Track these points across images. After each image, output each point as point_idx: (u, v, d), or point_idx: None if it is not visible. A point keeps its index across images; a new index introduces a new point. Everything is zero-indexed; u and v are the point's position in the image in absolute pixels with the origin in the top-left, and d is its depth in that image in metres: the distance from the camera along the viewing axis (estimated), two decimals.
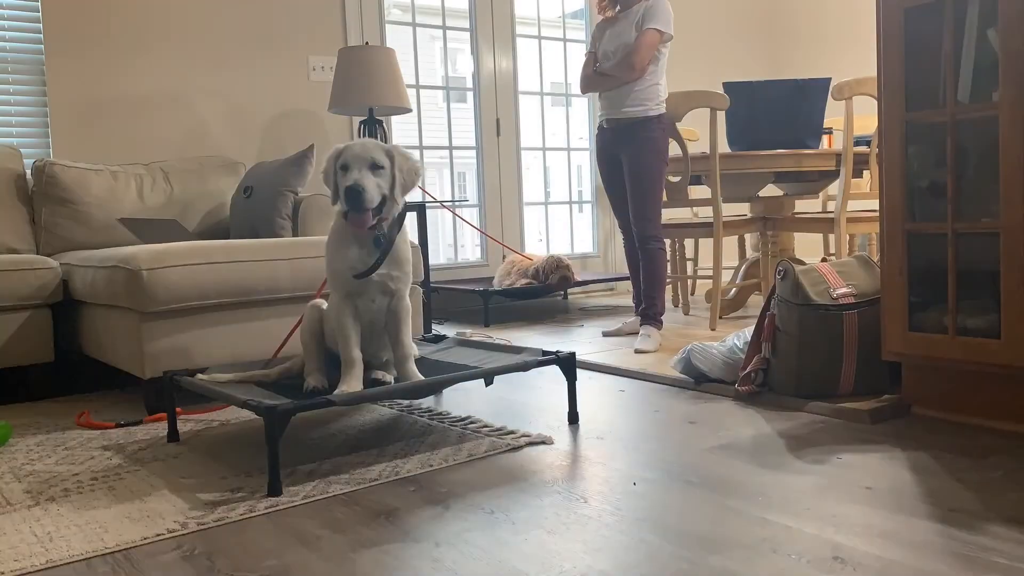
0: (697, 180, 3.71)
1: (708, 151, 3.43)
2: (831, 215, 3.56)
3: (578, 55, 5.30)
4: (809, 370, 2.18)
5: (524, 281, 4.15)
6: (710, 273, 3.65)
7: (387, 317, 2.00)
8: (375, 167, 1.86)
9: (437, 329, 3.92)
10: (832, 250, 4.44)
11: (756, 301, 4.30)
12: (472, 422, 2.15)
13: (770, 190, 4.38)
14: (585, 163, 5.43)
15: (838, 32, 5.61)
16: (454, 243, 5.04)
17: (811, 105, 3.64)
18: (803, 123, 3.64)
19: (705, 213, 4.72)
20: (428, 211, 3.93)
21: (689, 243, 4.98)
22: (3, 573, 1.33)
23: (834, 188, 3.80)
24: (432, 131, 4.76)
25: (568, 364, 2.11)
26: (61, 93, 3.56)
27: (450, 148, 4.87)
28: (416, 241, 3.51)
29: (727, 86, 3.64)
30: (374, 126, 3.84)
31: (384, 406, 2.39)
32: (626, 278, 4.52)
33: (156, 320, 2.38)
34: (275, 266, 2.55)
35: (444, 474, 1.75)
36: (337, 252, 1.93)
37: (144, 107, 3.75)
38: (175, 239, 3.00)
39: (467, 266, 4.87)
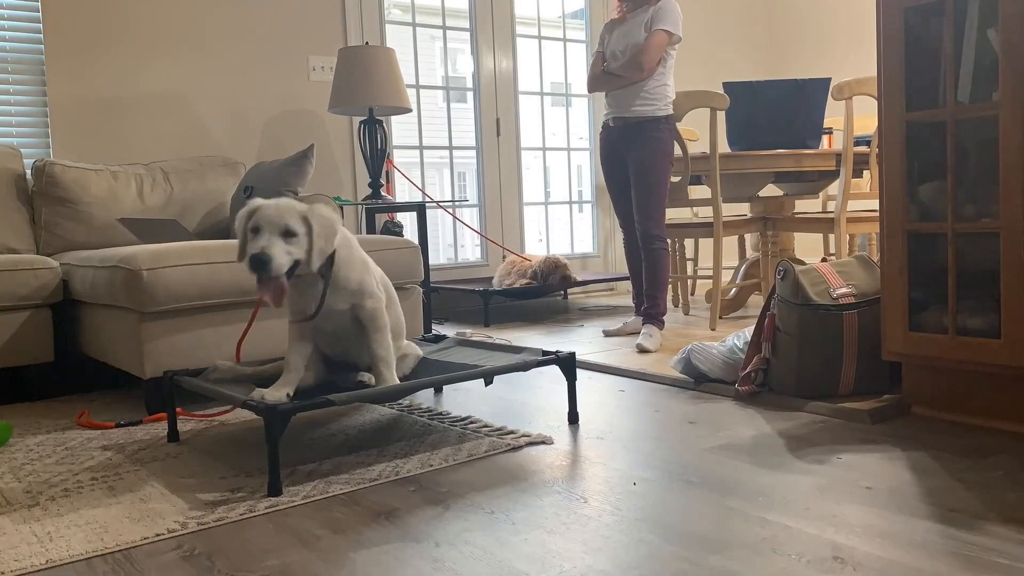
0: (697, 180, 3.71)
1: (708, 151, 3.43)
2: (831, 215, 3.56)
3: (578, 55, 5.31)
4: (809, 370, 2.18)
5: (524, 281, 4.15)
6: (710, 273, 3.65)
7: (358, 326, 1.95)
8: (288, 234, 1.76)
9: (437, 329, 3.92)
10: (832, 250, 4.44)
11: (756, 301, 4.30)
12: (472, 422, 2.15)
13: (770, 190, 4.38)
14: (585, 163, 5.43)
15: (838, 32, 5.61)
16: (454, 243, 5.04)
17: (811, 105, 3.64)
18: (803, 123, 3.65)
19: (705, 213, 4.72)
20: (428, 211, 3.93)
21: (689, 243, 4.98)
22: (3, 573, 1.33)
23: (834, 188, 3.80)
24: (432, 131, 4.76)
25: (568, 364, 2.11)
26: (61, 93, 3.56)
27: (450, 148, 4.87)
28: (416, 241, 3.52)
29: (727, 86, 3.64)
30: (374, 126, 3.84)
31: (384, 406, 2.39)
32: (626, 278, 4.53)
33: (156, 320, 2.38)
34: None
35: (444, 474, 1.75)
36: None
37: (144, 107, 3.75)
38: (175, 239, 3.00)
39: (467, 266, 4.87)
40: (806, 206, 5.10)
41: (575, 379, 2.12)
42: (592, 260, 5.31)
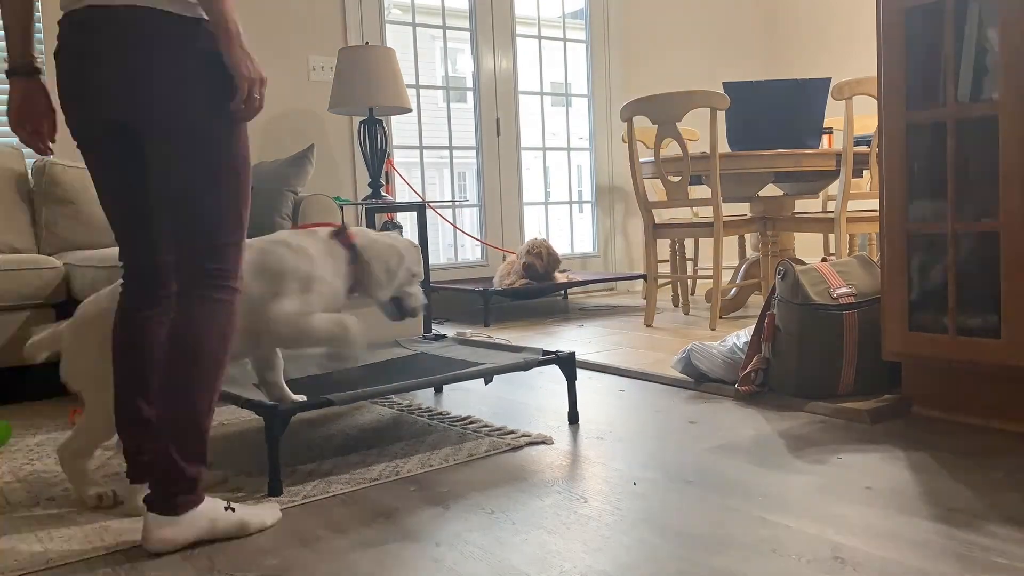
0: (697, 180, 3.71)
1: (708, 151, 3.43)
2: (831, 215, 3.56)
3: (578, 55, 5.31)
4: (809, 370, 2.18)
5: (523, 281, 4.15)
6: (710, 273, 3.65)
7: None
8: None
9: (437, 329, 3.92)
10: (832, 250, 4.44)
11: (756, 301, 4.30)
12: (472, 422, 2.15)
13: (770, 190, 4.38)
14: (585, 163, 5.43)
15: (838, 32, 5.61)
16: (454, 243, 5.04)
17: (811, 105, 3.64)
18: (803, 123, 3.64)
19: (705, 213, 4.72)
20: (427, 211, 3.93)
21: (689, 243, 4.98)
22: (3, 573, 1.33)
23: (834, 188, 3.80)
24: (432, 131, 4.76)
25: (568, 364, 2.12)
26: None
27: (450, 148, 4.87)
28: (416, 241, 3.51)
29: (727, 86, 3.64)
30: (374, 126, 3.84)
31: (384, 406, 2.39)
32: (627, 278, 4.53)
33: None
34: None
35: (444, 474, 1.75)
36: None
37: None
38: None
39: (467, 266, 4.87)
40: (806, 206, 5.10)
41: (575, 379, 2.12)
42: (592, 260, 5.31)
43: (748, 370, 2.28)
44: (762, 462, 1.75)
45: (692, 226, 3.69)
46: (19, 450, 2.09)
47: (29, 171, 3.27)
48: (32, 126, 1.52)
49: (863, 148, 3.56)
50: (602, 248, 5.36)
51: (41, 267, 2.72)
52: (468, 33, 4.81)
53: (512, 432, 2.04)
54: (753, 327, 2.34)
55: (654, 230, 3.73)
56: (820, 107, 3.66)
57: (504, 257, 4.60)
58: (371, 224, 4.04)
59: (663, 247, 4.99)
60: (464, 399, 2.46)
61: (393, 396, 2.48)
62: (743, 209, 4.86)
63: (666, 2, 5.51)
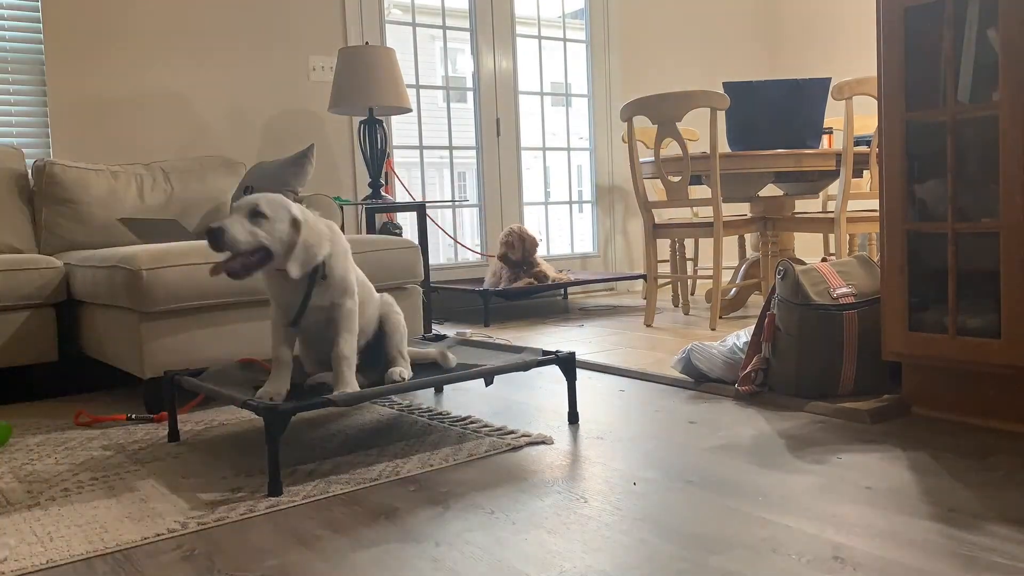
0: (697, 180, 3.71)
1: (708, 151, 3.43)
2: (831, 215, 3.56)
3: (578, 55, 5.31)
4: (809, 370, 2.18)
5: (526, 280, 4.15)
6: (710, 273, 3.65)
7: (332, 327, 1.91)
8: (255, 215, 1.74)
9: (437, 329, 3.92)
10: (832, 250, 4.44)
11: (756, 301, 4.30)
12: (472, 422, 2.15)
13: (770, 190, 4.38)
14: (585, 163, 5.43)
15: (838, 32, 5.61)
16: (454, 243, 5.04)
17: (811, 105, 3.64)
18: (803, 123, 3.64)
19: (705, 213, 4.72)
20: (427, 211, 3.93)
21: (689, 243, 4.98)
22: (3, 573, 1.33)
23: (834, 188, 3.80)
24: (432, 131, 4.76)
25: (568, 364, 2.12)
26: (61, 93, 3.56)
27: (450, 148, 4.87)
28: (416, 242, 3.52)
29: (727, 86, 3.64)
30: (374, 126, 3.84)
31: (384, 406, 2.39)
32: (627, 278, 4.53)
33: (156, 320, 2.39)
34: None
35: (444, 474, 1.75)
36: (270, 284, 1.88)
37: (144, 107, 3.75)
38: (175, 239, 3.00)
39: (467, 266, 4.87)
40: (806, 206, 5.10)
41: (575, 379, 2.12)
42: (592, 260, 5.31)
43: (748, 370, 2.28)
44: (762, 462, 1.75)
45: (692, 226, 3.69)
46: (19, 450, 2.09)
47: (29, 171, 3.27)
48: None
49: (863, 148, 3.56)
50: (602, 248, 5.36)
51: (41, 267, 2.72)
52: (468, 33, 4.81)
53: (512, 432, 2.04)
54: (753, 327, 2.34)
55: (654, 230, 3.73)
56: (820, 107, 3.66)
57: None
58: (371, 224, 4.04)
59: (663, 247, 4.99)
60: (464, 399, 2.46)
61: (393, 396, 2.48)
62: (743, 209, 4.86)
63: (666, 2, 5.51)
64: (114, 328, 2.54)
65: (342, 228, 3.47)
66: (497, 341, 2.90)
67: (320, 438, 2.07)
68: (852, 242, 3.69)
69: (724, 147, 3.69)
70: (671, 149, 5.02)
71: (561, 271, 4.72)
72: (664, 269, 4.86)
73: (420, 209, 3.87)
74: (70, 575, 1.34)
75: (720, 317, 3.71)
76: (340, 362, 1.85)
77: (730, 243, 5.46)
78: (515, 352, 2.22)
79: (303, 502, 1.61)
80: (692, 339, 3.24)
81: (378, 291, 2.13)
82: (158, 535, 1.47)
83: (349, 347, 1.87)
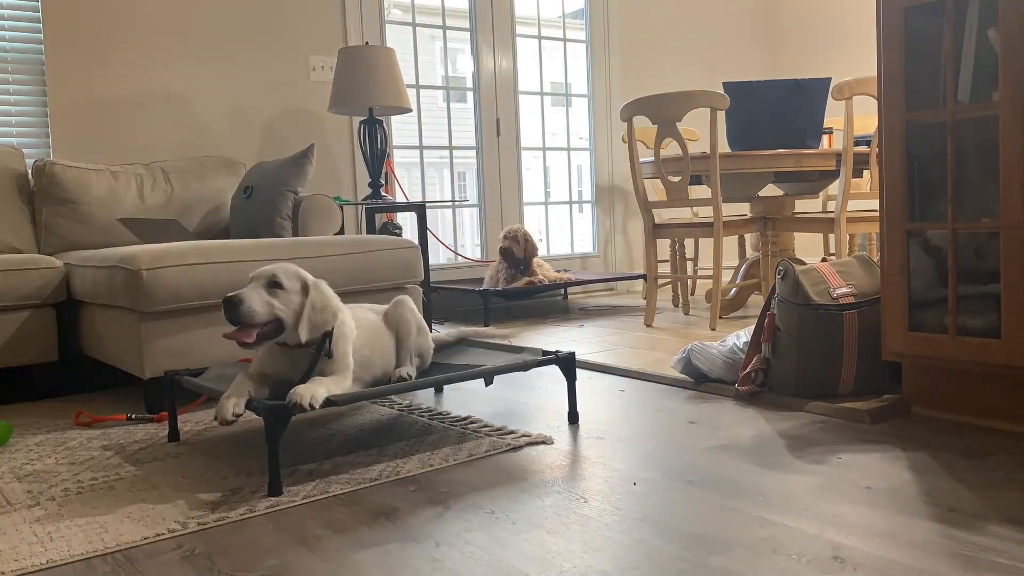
0: (697, 180, 3.71)
1: (708, 151, 3.43)
2: (831, 215, 3.56)
3: (578, 55, 5.31)
4: (809, 370, 2.18)
5: (525, 280, 4.15)
6: (710, 273, 3.65)
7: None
8: (273, 285, 1.77)
9: (437, 329, 3.92)
10: (832, 250, 4.44)
11: (756, 301, 4.30)
12: (472, 422, 2.15)
13: (770, 190, 4.38)
14: (585, 163, 5.44)
15: (839, 32, 5.61)
16: (454, 243, 5.04)
17: (811, 105, 3.64)
18: (803, 123, 3.64)
19: (705, 213, 4.72)
20: (428, 210, 3.93)
21: (689, 243, 4.98)
22: (3, 573, 1.33)
23: (834, 188, 3.80)
24: (432, 131, 4.76)
25: (568, 364, 2.12)
26: (61, 93, 3.56)
27: (450, 148, 4.87)
28: (416, 242, 3.52)
29: (727, 86, 3.64)
30: (374, 126, 3.84)
31: (384, 406, 2.39)
32: (627, 278, 4.53)
33: (156, 320, 2.39)
34: None
35: (444, 474, 1.75)
36: (266, 354, 1.85)
37: (144, 107, 3.76)
38: (175, 239, 3.00)
39: (467, 266, 4.87)
40: (806, 206, 5.10)
41: (575, 379, 2.12)
42: (592, 260, 5.31)
43: (748, 370, 2.28)
44: (762, 462, 1.75)
45: (692, 226, 3.69)
46: (19, 450, 2.09)
47: (29, 171, 3.27)
48: None
49: (863, 148, 3.56)
50: (602, 248, 5.36)
51: (41, 267, 2.72)
52: (468, 33, 4.81)
53: (512, 432, 2.04)
54: (753, 327, 2.34)
55: (654, 230, 3.73)
56: (820, 107, 3.66)
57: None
58: (371, 224, 4.05)
59: (663, 247, 4.99)
60: (464, 399, 2.46)
61: (393, 396, 2.48)
62: (743, 209, 4.86)
63: (666, 2, 5.51)
64: (114, 328, 2.54)
65: (342, 228, 3.47)
66: (497, 341, 2.90)
67: (320, 438, 2.07)
68: (852, 242, 3.69)
69: (724, 147, 3.69)
70: (671, 149, 5.02)
71: (561, 271, 4.72)
72: (664, 269, 4.86)
73: (420, 209, 3.87)
74: (70, 575, 1.34)
75: (720, 317, 3.71)
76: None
77: (730, 243, 5.46)
78: (515, 352, 2.22)
79: (303, 502, 1.61)
80: (692, 339, 3.24)
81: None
82: (158, 535, 1.47)
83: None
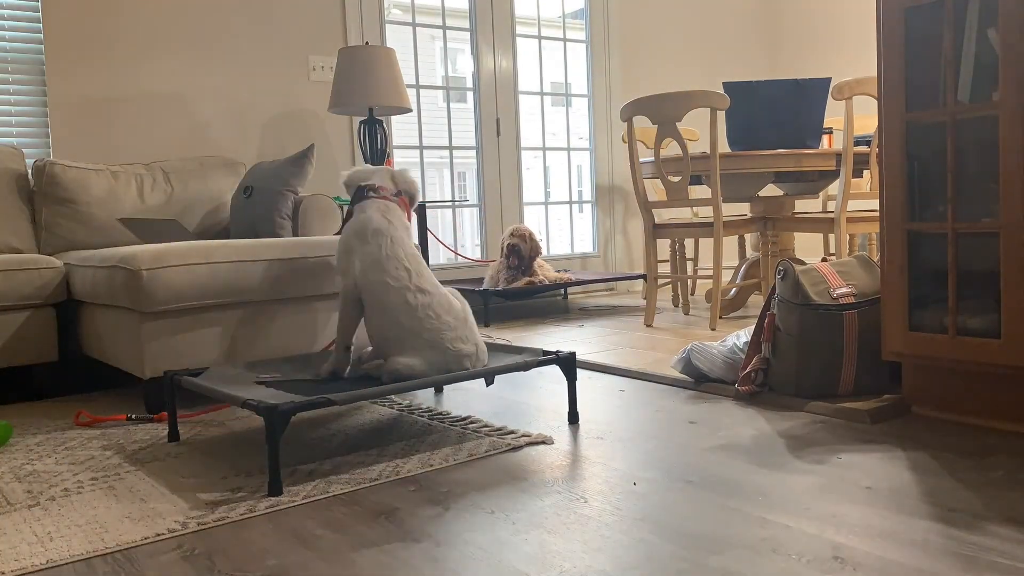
0: (697, 180, 3.71)
1: (708, 151, 3.43)
2: (831, 215, 3.56)
3: (578, 55, 5.30)
4: (809, 370, 2.18)
5: (525, 280, 4.15)
6: (710, 273, 3.65)
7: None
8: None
9: None
10: (832, 250, 4.44)
11: (756, 301, 4.30)
12: (472, 422, 2.15)
13: (770, 190, 4.38)
14: (585, 163, 5.43)
15: (839, 32, 5.61)
16: (454, 243, 5.04)
17: (811, 105, 3.64)
18: (803, 123, 3.64)
19: (705, 213, 4.72)
20: (428, 210, 3.93)
21: (689, 243, 4.98)
22: (3, 573, 1.33)
23: (834, 188, 3.80)
24: (432, 131, 4.76)
25: (568, 364, 2.11)
26: (61, 93, 3.56)
27: (450, 148, 4.87)
28: (416, 241, 3.51)
29: (727, 86, 3.64)
30: (374, 126, 3.84)
31: (384, 406, 2.39)
32: (627, 278, 4.53)
33: (156, 320, 2.39)
34: (275, 266, 2.55)
35: (444, 474, 1.75)
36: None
37: (144, 107, 3.75)
38: (175, 239, 3.00)
39: (467, 266, 4.87)
40: (806, 206, 5.10)
41: (575, 379, 2.12)
42: (592, 260, 5.31)
43: (748, 370, 2.28)
44: (762, 462, 1.75)
45: (692, 226, 3.69)
46: (19, 450, 2.09)
47: (29, 171, 3.27)
48: None
49: (863, 148, 3.56)
50: (602, 248, 5.36)
51: (41, 267, 2.72)
52: (468, 33, 4.81)
53: (512, 432, 2.04)
54: (753, 327, 2.34)
55: (654, 230, 3.73)
56: (820, 107, 3.66)
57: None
58: None
59: (663, 247, 5.00)
60: (464, 399, 2.46)
61: (393, 396, 2.48)
62: (743, 209, 4.86)
63: (666, 2, 5.51)
64: (114, 328, 2.54)
65: (341, 228, 3.47)
66: (497, 341, 2.90)
67: (320, 438, 2.07)
68: (852, 242, 3.69)
69: (724, 147, 3.69)
70: (671, 149, 5.02)
71: (561, 271, 4.72)
72: (664, 269, 4.86)
73: (420, 209, 3.87)
74: (70, 575, 1.34)
75: (720, 317, 3.71)
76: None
77: (730, 243, 5.46)
78: (515, 352, 2.22)
79: (303, 502, 1.61)
80: (692, 339, 3.24)
81: None
82: (158, 535, 1.47)
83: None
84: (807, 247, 5.32)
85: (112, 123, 3.68)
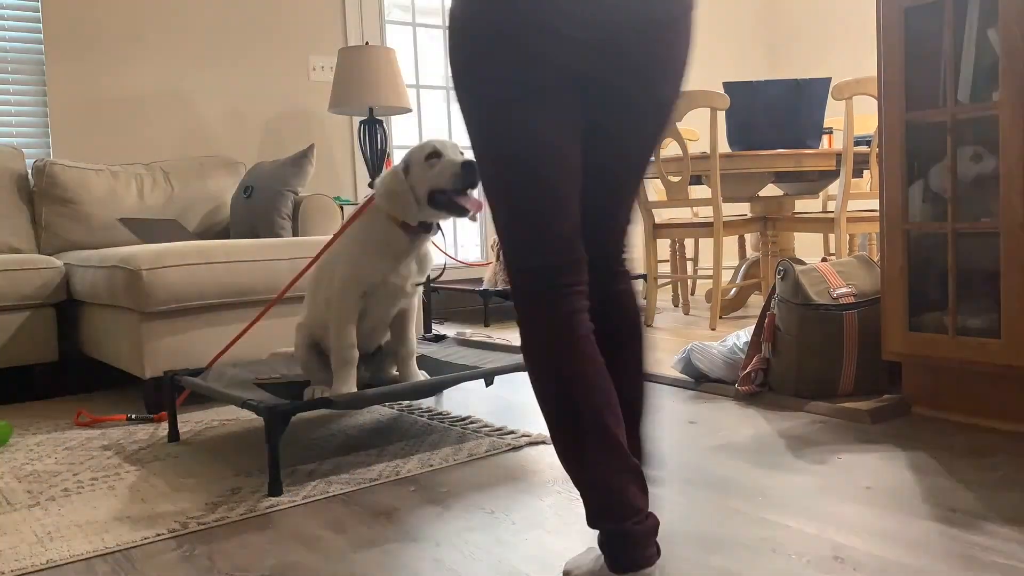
0: (697, 180, 3.71)
1: (708, 151, 3.43)
2: (831, 215, 3.56)
3: None
4: (809, 370, 2.18)
5: None
6: (710, 273, 3.65)
7: (395, 315, 2.01)
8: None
9: (437, 329, 3.92)
10: (832, 250, 4.44)
11: (756, 301, 4.30)
12: (472, 422, 2.15)
13: (770, 190, 4.38)
14: None
15: (838, 32, 5.61)
16: (454, 243, 5.04)
17: (811, 105, 3.64)
18: (803, 123, 3.64)
19: (705, 213, 4.72)
20: None
21: (689, 243, 4.98)
22: (3, 573, 1.34)
23: (834, 188, 3.80)
24: (432, 131, 4.76)
25: None
26: (61, 93, 3.56)
27: None
28: None
29: (727, 86, 3.64)
30: (374, 126, 3.84)
31: (384, 406, 2.39)
32: None
33: (156, 320, 2.38)
34: (275, 266, 2.55)
35: (444, 474, 1.75)
36: (366, 258, 1.86)
37: (144, 107, 3.75)
38: (175, 239, 3.00)
39: (467, 266, 4.87)
40: (806, 206, 5.10)
41: None
42: None
43: (748, 370, 2.28)
44: (762, 462, 1.75)
45: (692, 226, 3.69)
46: (19, 450, 2.09)
47: (29, 171, 3.27)
48: None
49: (863, 148, 3.56)
50: None
51: (41, 267, 2.72)
52: None
53: (512, 432, 2.04)
54: (753, 327, 2.34)
55: (654, 230, 3.73)
56: (820, 107, 3.66)
57: (498, 257, 4.58)
58: None
59: (663, 247, 4.99)
60: (464, 399, 2.46)
61: None
62: (743, 209, 4.86)
63: None
64: (114, 328, 2.54)
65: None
66: (497, 341, 2.90)
67: (320, 438, 2.07)
68: (852, 242, 3.69)
69: (724, 147, 3.68)
70: (671, 149, 5.02)
71: None
72: (664, 269, 4.86)
73: None
74: (70, 575, 1.34)
75: (720, 317, 3.71)
76: (412, 356, 2.03)
77: (730, 243, 5.46)
78: (515, 352, 2.22)
79: (303, 502, 1.61)
80: (692, 339, 3.24)
81: None
82: (158, 535, 1.47)
83: (414, 340, 2.05)
84: (807, 247, 5.32)
85: (112, 123, 3.68)
